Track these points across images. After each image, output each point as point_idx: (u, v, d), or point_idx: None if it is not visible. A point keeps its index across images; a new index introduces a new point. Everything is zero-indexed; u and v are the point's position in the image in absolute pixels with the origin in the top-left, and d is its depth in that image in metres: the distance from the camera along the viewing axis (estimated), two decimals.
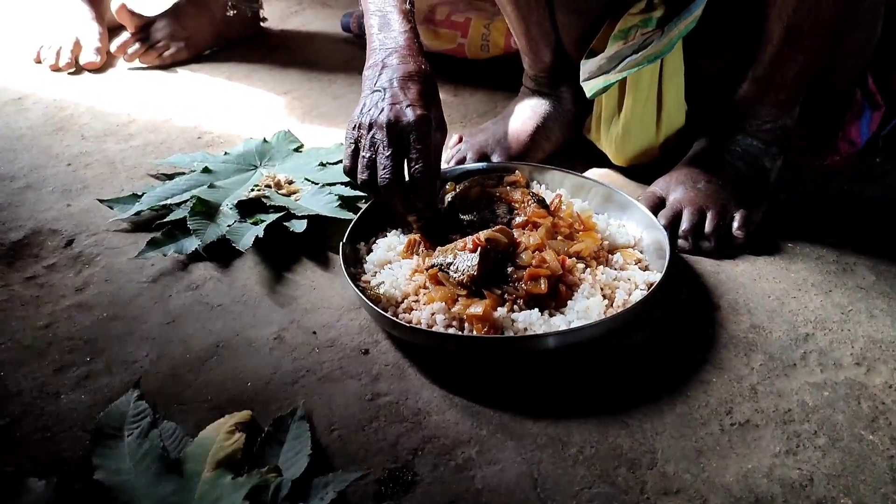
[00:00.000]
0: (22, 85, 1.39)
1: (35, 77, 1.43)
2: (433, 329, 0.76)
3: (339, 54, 1.57)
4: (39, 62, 1.47)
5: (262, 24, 1.68)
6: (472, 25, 1.41)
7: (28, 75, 1.44)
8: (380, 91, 0.85)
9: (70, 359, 0.78)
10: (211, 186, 1.02)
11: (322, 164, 1.09)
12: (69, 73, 1.45)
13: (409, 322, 0.77)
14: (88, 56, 1.45)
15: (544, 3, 1.03)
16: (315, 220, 0.96)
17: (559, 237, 0.86)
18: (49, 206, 1.03)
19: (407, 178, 0.83)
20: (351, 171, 0.87)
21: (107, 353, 0.79)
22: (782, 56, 0.89)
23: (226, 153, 1.13)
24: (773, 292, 0.87)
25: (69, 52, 1.45)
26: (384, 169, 0.82)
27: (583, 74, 1.01)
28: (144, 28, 1.52)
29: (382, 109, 0.84)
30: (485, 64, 1.42)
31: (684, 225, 0.93)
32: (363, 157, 0.85)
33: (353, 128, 0.86)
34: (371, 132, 0.84)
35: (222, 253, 0.93)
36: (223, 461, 0.64)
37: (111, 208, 1.01)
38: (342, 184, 1.03)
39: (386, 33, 0.89)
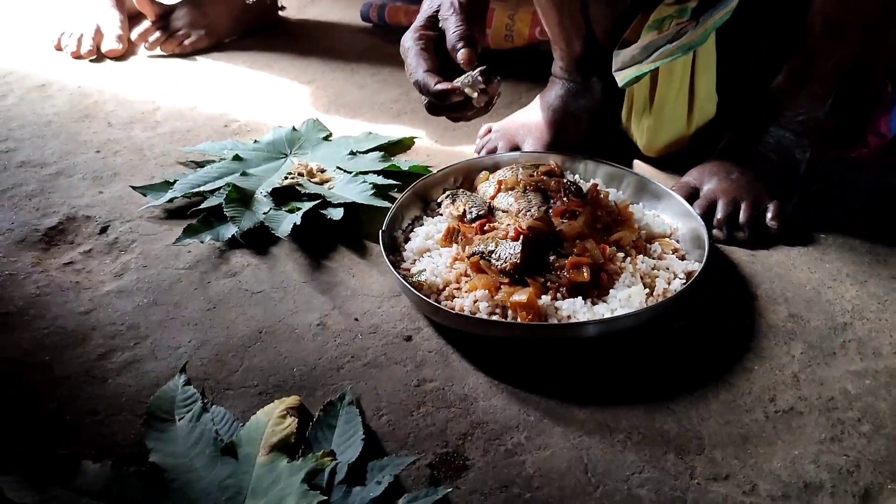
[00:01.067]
0: (45, 72, 1.39)
1: (57, 64, 1.43)
2: (477, 316, 0.77)
3: (360, 43, 1.57)
4: (60, 49, 1.47)
5: (280, 12, 1.68)
6: (495, 16, 1.41)
7: (50, 62, 1.43)
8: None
9: (114, 344, 0.78)
10: (244, 174, 1.02)
11: (352, 153, 1.10)
12: (91, 61, 1.45)
13: (453, 309, 0.78)
14: (110, 43, 1.45)
15: None
16: (349, 208, 0.96)
17: (598, 226, 0.86)
18: (81, 193, 1.03)
19: None
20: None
21: (150, 338, 0.79)
22: (822, 49, 0.90)
23: (255, 141, 1.13)
24: (808, 282, 0.87)
25: (90, 39, 1.45)
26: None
27: (615, 64, 1.01)
28: (164, 16, 1.52)
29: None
30: (508, 54, 1.42)
31: (719, 215, 0.94)
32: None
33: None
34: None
35: (259, 240, 0.93)
36: (277, 445, 0.64)
37: (144, 195, 1.01)
38: (375, 172, 1.04)
39: None
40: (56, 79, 1.36)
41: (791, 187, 0.97)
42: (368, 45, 1.55)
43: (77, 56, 1.44)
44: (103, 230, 0.96)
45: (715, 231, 0.93)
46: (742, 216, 0.93)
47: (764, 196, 0.94)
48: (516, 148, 1.10)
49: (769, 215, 0.93)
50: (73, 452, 0.65)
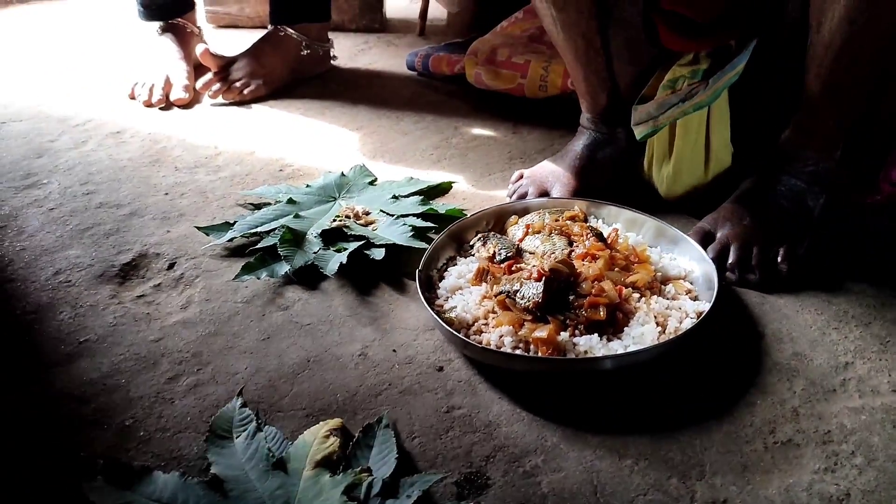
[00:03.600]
0: (120, 119, 1.53)
1: (130, 112, 1.57)
2: (502, 350, 0.85)
3: (405, 91, 1.68)
4: (133, 98, 1.61)
5: (332, 62, 1.80)
6: (531, 67, 1.50)
7: (124, 110, 1.57)
8: None
9: (180, 369, 0.88)
10: (296, 217, 1.13)
11: (395, 197, 1.19)
12: (160, 109, 1.58)
13: (480, 343, 0.86)
14: (178, 93, 1.59)
15: (602, 53, 1.12)
16: (391, 249, 1.06)
17: (616, 269, 0.94)
18: (151, 232, 1.15)
19: None
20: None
21: (211, 365, 0.89)
22: (822, 108, 0.97)
23: (308, 185, 1.24)
24: (815, 323, 0.93)
25: (161, 89, 1.59)
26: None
27: (633, 119, 1.10)
28: (226, 67, 1.65)
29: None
30: (543, 103, 1.51)
31: (731, 258, 1.01)
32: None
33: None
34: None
35: (309, 277, 1.03)
36: (321, 461, 0.73)
37: (207, 235, 1.12)
38: (414, 215, 1.13)
39: None
40: (130, 126, 1.50)
41: (803, 232, 1.04)
42: (413, 93, 1.66)
43: (148, 104, 1.58)
44: (171, 266, 1.07)
45: (728, 273, 1.00)
46: (754, 259, 1.00)
47: (775, 240, 1.01)
48: (545, 193, 1.18)
49: (779, 258, 1.00)
50: (145, 463, 0.75)
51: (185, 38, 1.73)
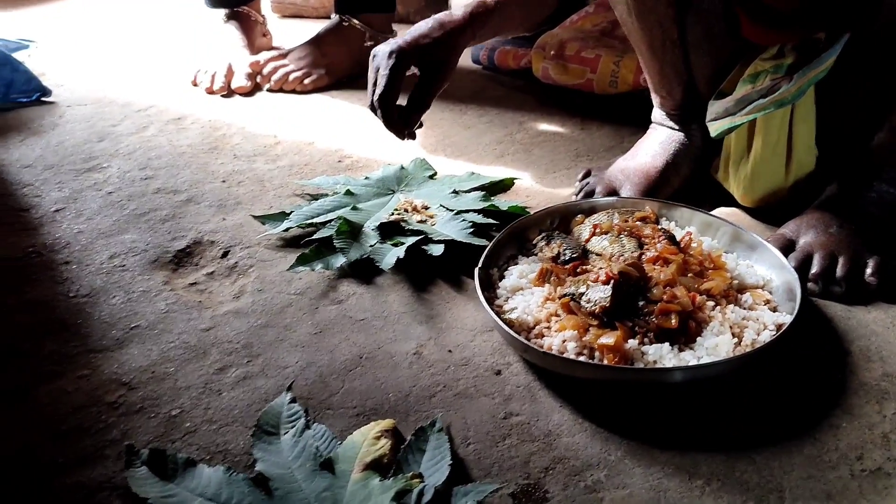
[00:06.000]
0: (181, 106, 1.52)
1: (192, 99, 1.56)
2: (565, 355, 0.80)
3: (469, 85, 1.64)
4: (196, 85, 1.61)
5: None
6: (601, 62, 1.44)
7: (186, 97, 1.57)
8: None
9: (230, 360, 0.86)
10: (354, 209, 1.10)
11: (455, 192, 1.15)
12: (222, 96, 1.57)
13: (542, 347, 0.82)
14: (240, 81, 1.57)
15: (679, 44, 1.06)
16: (449, 245, 1.02)
17: (689, 274, 0.88)
18: (207, 219, 1.13)
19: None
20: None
21: (261, 357, 0.86)
22: None
23: (366, 177, 1.20)
24: None
25: (223, 76, 1.58)
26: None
27: (709, 114, 1.04)
28: (288, 55, 1.64)
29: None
30: (612, 99, 1.45)
31: (815, 268, 0.94)
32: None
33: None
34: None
35: (364, 271, 1.00)
36: (371, 464, 0.69)
37: (263, 224, 1.09)
38: (475, 211, 1.09)
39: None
40: (191, 112, 1.49)
41: (893, 243, 0.96)
42: (477, 87, 1.62)
43: (210, 92, 1.57)
44: (225, 254, 1.05)
45: (810, 284, 0.93)
46: (839, 271, 0.93)
47: (863, 251, 0.94)
48: (614, 192, 1.13)
49: (868, 271, 0.93)
50: (190, 455, 0.72)
51: (249, 26, 1.72)
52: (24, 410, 0.78)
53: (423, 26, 1.10)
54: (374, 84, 1.06)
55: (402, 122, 1.07)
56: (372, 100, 1.06)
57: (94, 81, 1.64)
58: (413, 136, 1.11)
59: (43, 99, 1.51)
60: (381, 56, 1.07)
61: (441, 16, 1.12)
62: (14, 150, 1.32)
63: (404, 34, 1.10)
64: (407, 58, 1.06)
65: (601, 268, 0.88)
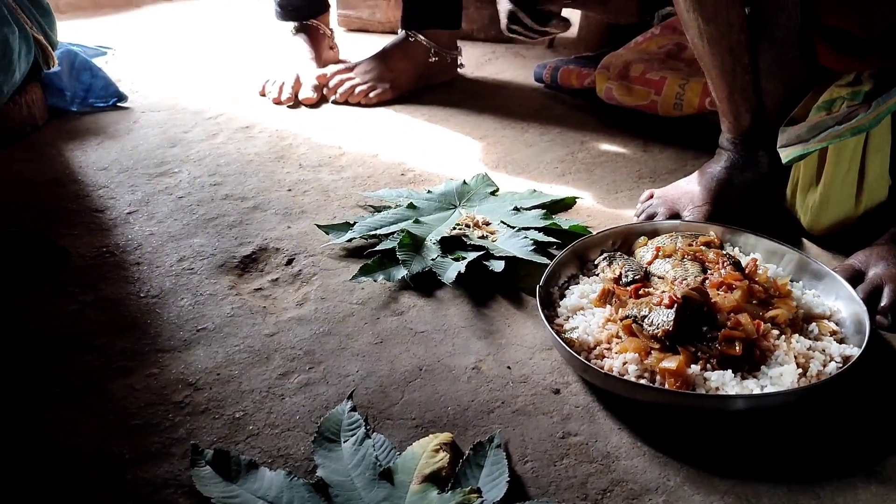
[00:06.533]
0: (250, 115, 1.56)
1: (260, 108, 1.60)
2: (625, 377, 0.80)
3: (531, 103, 1.65)
4: (264, 95, 1.65)
5: (459, 69, 1.78)
6: (666, 84, 1.44)
7: (254, 106, 1.61)
8: None
9: (292, 366, 0.87)
10: (416, 222, 1.11)
11: (516, 209, 1.16)
12: (289, 107, 1.61)
13: (602, 368, 0.81)
14: (306, 92, 1.61)
15: (749, 70, 1.05)
16: (510, 261, 1.02)
17: (754, 301, 0.87)
18: (273, 227, 1.16)
19: None
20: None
21: (323, 364, 0.88)
22: None
23: (429, 191, 1.22)
24: None
25: (290, 87, 1.61)
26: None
27: (780, 140, 1.02)
28: (354, 69, 1.67)
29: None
30: (676, 121, 1.45)
31: (884, 301, 0.91)
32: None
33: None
34: None
35: (425, 283, 1.01)
36: (429, 476, 0.70)
37: (327, 233, 1.11)
38: (536, 229, 1.09)
39: None
40: (259, 121, 1.53)
41: None
42: (539, 105, 1.62)
43: (278, 102, 1.61)
44: (289, 262, 1.08)
45: (879, 317, 0.91)
46: None
47: None
48: (676, 216, 1.12)
49: None
50: (253, 457, 0.74)
51: (317, 39, 1.75)
52: (97, 404, 0.81)
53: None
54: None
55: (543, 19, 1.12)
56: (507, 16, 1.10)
57: (168, 88, 1.69)
58: (567, 23, 1.17)
59: (119, 104, 1.57)
60: None
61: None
62: (91, 152, 1.37)
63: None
64: None
65: (664, 291, 0.87)
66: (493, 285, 1.01)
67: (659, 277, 0.94)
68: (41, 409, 0.80)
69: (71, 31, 1.94)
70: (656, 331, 0.82)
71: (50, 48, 1.37)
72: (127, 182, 1.27)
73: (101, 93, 1.54)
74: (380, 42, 1.98)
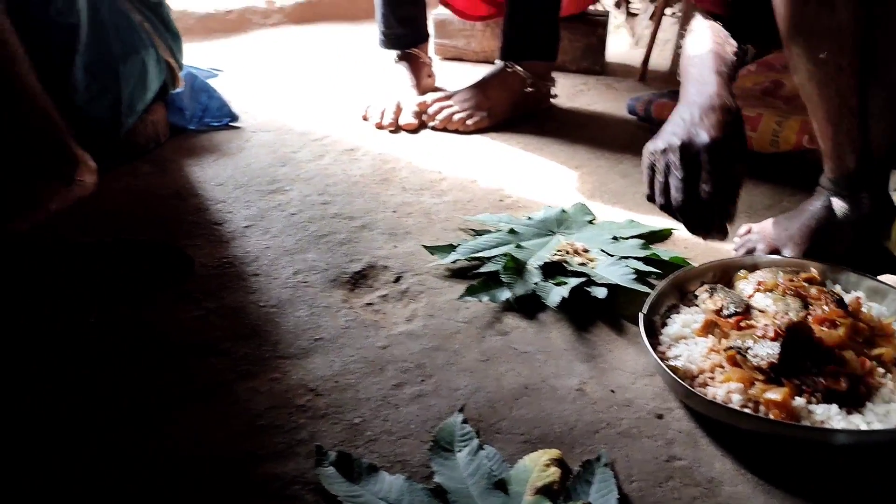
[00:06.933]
0: (353, 138, 1.63)
1: (363, 132, 1.67)
2: (729, 406, 0.82)
3: (625, 135, 1.68)
4: (366, 119, 1.72)
5: (552, 100, 1.83)
6: (763, 121, 1.45)
7: (357, 130, 1.68)
8: (678, 121, 0.94)
9: (405, 378, 0.92)
10: (518, 247, 1.15)
11: (615, 238, 1.19)
12: (390, 131, 1.68)
13: (706, 396, 0.84)
14: (407, 118, 1.68)
15: (857, 113, 1.07)
16: (610, 289, 1.06)
17: (858, 339, 0.89)
18: (380, 246, 1.22)
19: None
20: (649, 196, 0.96)
21: (434, 378, 0.92)
22: None
23: (529, 217, 1.26)
24: None
25: (392, 113, 1.68)
26: (676, 191, 0.91)
27: (893, 183, 1.03)
28: (453, 97, 1.73)
29: (676, 133, 0.93)
30: (772, 158, 1.46)
31: None
32: (658, 180, 0.95)
33: (650, 153, 0.96)
34: (665, 156, 0.93)
35: (528, 306, 1.05)
36: (541, 489, 0.74)
37: (432, 254, 1.17)
38: (634, 258, 1.12)
39: (699, 87, 0.98)
40: (362, 144, 1.60)
41: None
42: (632, 138, 1.65)
43: (379, 126, 1.68)
44: (397, 279, 1.13)
45: None
46: None
47: None
48: (775, 251, 1.13)
49: None
50: (372, 461, 0.79)
51: (417, 67, 1.83)
52: (225, 403, 0.88)
53: (693, 114, 0.96)
54: (665, 180, 0.94)
55: (713, 218, 0.95)
56: (665, 197, 0.96)
57: (275, 110, 1.78)
58: (725, 233, 0.98)
59: (231, 124, 1.66)
60: (673, 154, 0.95)
61: (700, 100, 0.98)
62: (208, 168, 1.46)
63: (673, 127, 0.98)
64: (725, 150, 0.94)
65: (767, 324, 0.89)
66: (593, 310, 1.05)
67: (760, 311, 0.96)
68: (171, 408, 0.87)
69: (185, 54, 2.06)
70: (761, 362, 0.84)
71: (177, 70, 1.47)
72: (242, 198, 1.35)
73: (217, 113, 1.64)
74: (474, 70, 2.06)
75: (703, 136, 0.90)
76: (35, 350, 0.96)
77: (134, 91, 1.34)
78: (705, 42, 1.07)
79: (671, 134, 0.94)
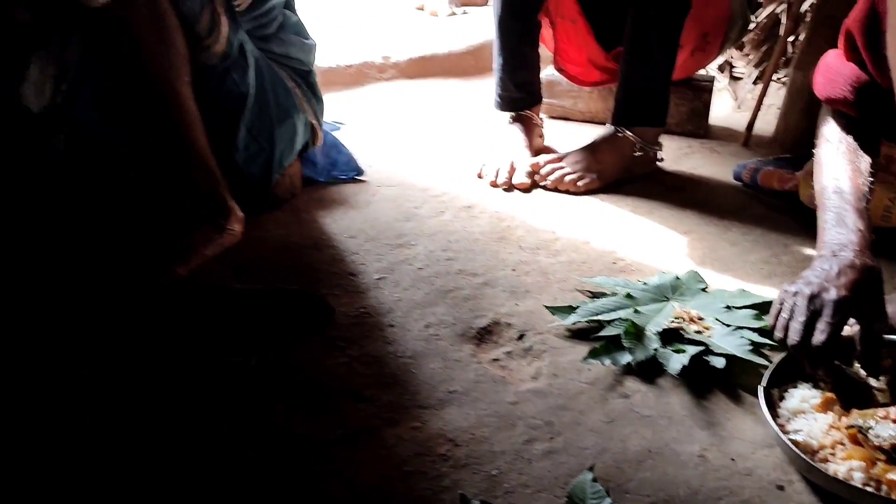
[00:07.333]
0: (470, 195, 1.73)
1: (478, 189, 1.77)
2: (851, 483, 0.87)
3: (732, 201, 1.73)
4: (481, 177, 1.82)
5: (658, 163, 1.89)
6: (875, 195, 1.48)
7: (473, 187, 1.78)
8: (818, 271, 1.00)
9: (535, 434, 1.00)
10: (635, 311, 1.22)
11: (728, 307, 1.25)
12: (504, 190, 1.77)
13: (827, 471, 0.88)
14: (520, 178, 1.77)
15: None
16: (727, 358, 1.11)
17: None
18: (502, 303, 1.30)
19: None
20: (771, 328, 1.03)
21: (562, 436, 1.00)
22: None
23: (644, 283, 1.32)
24: None
25: (506, 172, 1.77)
26: (794, 332, 0.98)
27: None
28: (564, 158, 1.81)
29: (811, 283, 0.99)
30: (883, 232, 1.48)
31: None
32: (783, 317, 1.01)
33: (784, 291, 1.02)
34: (794, 298, 1.00)
35: (647, 370, 1.11)
36: None
37: (552, 314, 1.25)
38: (750, 329, 1.17)
39: (839, 229, 1.04)
40: (479, 202, 1.70)
41: None
42: (739, 204, 1.70)
43: (494, 185, 1.77)
44: (520, 337, 1.21)
45: None
46: None
47: None
48: (893, 330, 1.17)
49: None
50: None
51: (530, 128, 1.92)
52: (374, 448, 0.97)
53: (831, 269, 1.01)
54: (803, 329, 0.98)
55: (820, 364, 1.00)
56: (785, 333, 1.01)
57: (396, 164, 1.90)
58: (834, 379, 1.02)
59: (357, 178, 1.79)
60: (802, 299, 1.00)
61: (840, 255, 1.02)
62: (340, 220, 1.58)
63: (811, 276, 1.03)
64: (849, 308, 0.99)
65: (884, 404, 0.94)
66: (710, 378, 1.10)
67: (878, 391, 1.00)
68: (328, 448, 0.97)
69: None
70: (883, 443, 0.88)
71: (318, 130, 1.60)
72: (373, 250, 1.46)
73: (345, 167, 1.77)
74: (580, 129, 2.14)
75: (832, 293, 0.98)
76: (204, 390, 1.07)
77: (284, 150, 1.48)
78: (841, 169, 1.13)
79: (806, 281, 1.02)
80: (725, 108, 2.43)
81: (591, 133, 2.11)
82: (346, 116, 2.18)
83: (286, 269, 1.39)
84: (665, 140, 1.97)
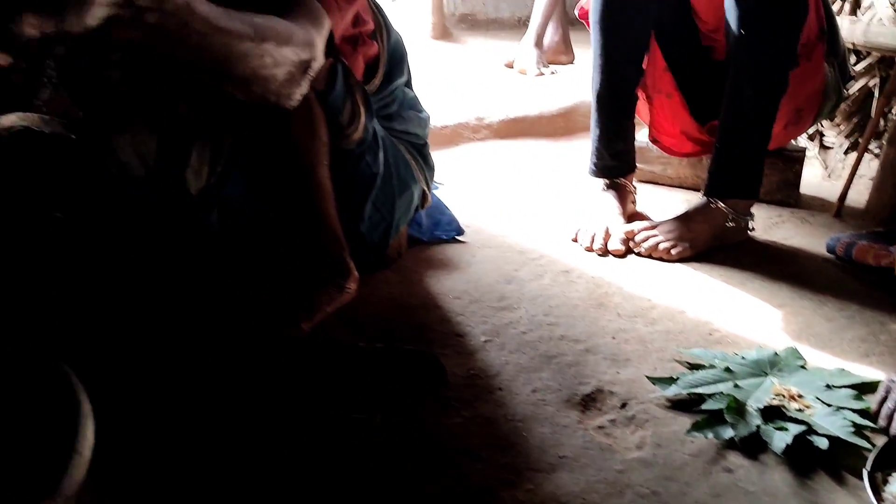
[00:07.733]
0: (567, 259, 1.81)
1: (574, 253, 1.85)
2: None
3: (825, 275, 1.76)
4: (576, 242, 1.89)
5: (749, 232, 1.94)
6: None
7: (569, 251, 1.86)
8: None
9: (643, 503, 1.06)
10: (736, 386, 1.27)
11: (828, 386, 1.28)
12: (598, 255, 1.84)
13: None
14: (615, 244, 1.84)
15: None
16: (829, 439, 1.15)
17: None
18: (604, 370, 1.37)
19: None
20: (874, 414, 1.07)
21: None
22: None
23: (742, 357, 1.37)
24: None
25: (601, 238, 1.85)
26: (893, 422, 1.02)
27: None
28: (656, 226, 1.88)
29: None
30: None
31: None
32: (887, 406, 1.05)
33: (891, 381, 1.07)
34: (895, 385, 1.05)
35: (749, 446, 1.16)
36: None
37: (653, 384, 1.30)
38: (851, 409, 1.21)
39: None
40: (576, 266, 1.77)
41: None
42: (834, 278, 1.74)
43: (589, 250, 1.85)
44: (623, 405, 1.27)
45: None
46: None
47: None
48: None
49: None
50: None
51: (623, 195, 1.99)
52: None
53: None
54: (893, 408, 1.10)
55: None
56: (888, 422, 1.11)
57: (494, 225, 1.99)
58: None
59: (458, 238, 1.88)
60: None
61: None
62: (445, 281, 1.68)
63: None
64: None
65: None
66: (812, 457, 1.14)
67: None
68: None
69: None
70: None
71: (428, 195, 1.71)
72: (478, 312, 1.55)
73: (446, 227, 1.87)
74: (669, 194, 2.21)
75: None
76: (331, 446, 1.16)
77: (401, 217, 1.59)
78: None
79: None
80: (815, 177, 2.46)
81: (680, 198, 2.18)
82: (443, 176, 2.29)
83: (399, 328, 1.48)
84: (755, 209, 2.01)
